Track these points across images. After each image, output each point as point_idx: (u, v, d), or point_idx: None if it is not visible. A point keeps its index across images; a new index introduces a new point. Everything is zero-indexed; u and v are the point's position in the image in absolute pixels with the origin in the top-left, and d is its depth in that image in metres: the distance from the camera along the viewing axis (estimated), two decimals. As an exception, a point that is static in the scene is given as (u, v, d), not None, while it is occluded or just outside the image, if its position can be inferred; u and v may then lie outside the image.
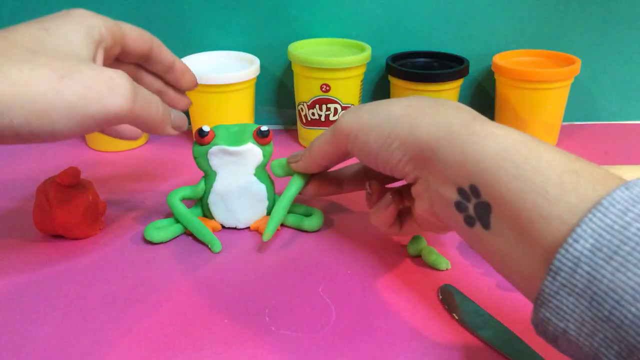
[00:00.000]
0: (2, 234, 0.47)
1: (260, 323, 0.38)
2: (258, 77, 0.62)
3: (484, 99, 0.70)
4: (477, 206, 0.31)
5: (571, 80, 0.62)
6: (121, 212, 0.51)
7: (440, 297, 0.40)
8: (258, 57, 0.63)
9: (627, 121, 0.72)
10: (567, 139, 0.67)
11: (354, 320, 0.38)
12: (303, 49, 0.64)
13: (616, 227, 0.25)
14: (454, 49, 0.66)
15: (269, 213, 0.49)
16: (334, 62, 0.59)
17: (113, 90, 0.32)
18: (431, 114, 0.35)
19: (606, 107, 0.72)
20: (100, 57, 0.37)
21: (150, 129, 0.37)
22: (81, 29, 0.35)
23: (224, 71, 0.60)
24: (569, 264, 0.25)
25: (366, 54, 0.61)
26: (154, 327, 0.37)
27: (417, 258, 0.45)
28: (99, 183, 0.53)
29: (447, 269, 0.43)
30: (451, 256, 0.44)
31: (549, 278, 0.26)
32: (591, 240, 0.25)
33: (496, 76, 0.64)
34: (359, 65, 0.61)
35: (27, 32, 0.33)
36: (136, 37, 0.40)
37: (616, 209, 0.25)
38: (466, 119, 0.33)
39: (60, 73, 0.31)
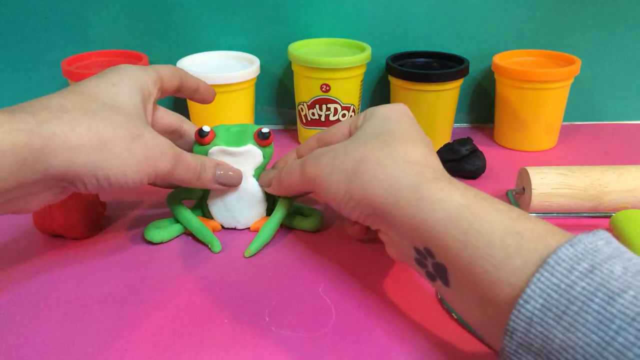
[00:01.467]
0: (2, 234, 0.47)
1: (260, 323, 0.38)
2: (258, 77, 0.62)
3: (484, 99, 0.70)
4: (434, 265, 0.33)
5: (571, 80, 0.62)
6: (121, 212, 0.51)
7: (439, 296, 0.40)
8: (258, 57, 0.63)
9: (627, 121, 0.72)
10: (567, 139, 0.67)
11: (354, 320, 0.38)
12: (303, 49, 0.64)
13: (563, 286, 0.26)
14: (454, 49, 0.67)
15: (268, 214, 0.49)
16: (334, 62, 0.59)
17: (163, 155, 0.38)
18: (380, 173, 0.36)
19: (606, 107, 0.72)
20: (149, 111, 0.43)
21: (190, 185, 0.43)
22: (137, 89, 0.40)
23: (224, 71, 0.60)
24: (523, 324, 0.27)
25: (366, 54, 0.61)
26: (154, 327, 0.37)
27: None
28: (99, 183, 0.53)
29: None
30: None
31: (507, 338, 0.28)
32: (540, 300, 0.26)
33: (496, 76, 0.64)
34: (359, 65, 0.61)
35: (99, 86, 0.38)
36: (169, 76, 0.45)
37: (562, 268, 0.26)
38: (413, 182, 0.34)
39: (132, 134, 0.37)
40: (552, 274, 0.26)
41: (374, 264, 0.44)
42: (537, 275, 0.27)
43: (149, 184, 0.40)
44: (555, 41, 0.67)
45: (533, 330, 0.26)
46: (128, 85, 0.40)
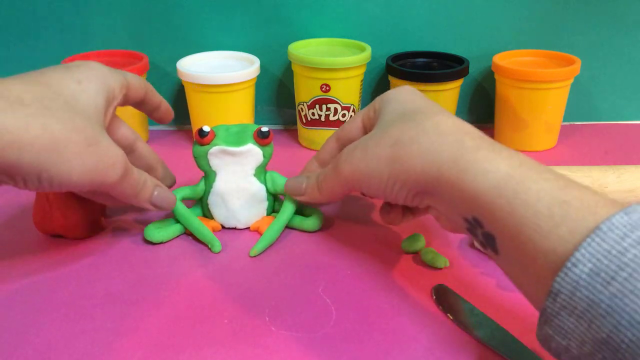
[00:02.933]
0: (2, 234, 0.47)
1: (260, 323, 0.38)
2: (258, 77, 0.62)
3: (484, 99, 0.70)
4: (483, 235, 0.33)
5: (571, 80, 0.62)
6: (121, 212, 0.51)
7: (434, 297, 0.40)
8: (258, 57, 0.63)
9: (627, 121, 0.72)
10: (567, 139, 0.67)
11: (354, 320, 0.38)
12: (303, 49, 0.64)
13: (614, 252, 0.26)
14: (454, 49, 0.66)
15: (269, 213, 0.49)
16: (334, 62, 0.59)
17: (114, 166, 0.37)
18: (417, 152, 0.35)
19: (606, 107, 0.72)
20: (109, 116, 0.41)
21: (126, 202, 0.42)
22: (103, 91, 0.39)
23: (224, 71, 0.60)
24: (568, 287, 0.26)
25: (366, 54, 0.61)
26: (154, 327, 0.37)
27: (417, 258, 0.45)
28: (99, 183, 0.53)
29: (445, 267, 0.43)
30: (451, 255, 0.44)
31: (550, 299, 0.27)
32: (589, 265, 0.26)
33: (496, 76, 0.64)
34: (359, 65, 0.61)
35: (63, 81, 0.37)
36: (136, 86, 0.43)
37: (614, 234, 0.26)
38: (454, 153, 0.34)
39: (88, 141, 0.35)
40: (603, 240, 0.26)
41: (374, 264, 0.44)
42: (588, 240, 0.26)
43: (87, 191, 0.40)
44: (555, 41, 0.67)
45: (578, 294, 0.26)
46: (94, 85, 0.38)
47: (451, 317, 0.38)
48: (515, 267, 0.31)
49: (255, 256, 0.45)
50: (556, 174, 0.31)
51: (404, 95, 0.41)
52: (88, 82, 0.38)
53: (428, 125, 0.36)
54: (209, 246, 0.45)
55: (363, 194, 0.43)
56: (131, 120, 0.62)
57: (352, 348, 0.36)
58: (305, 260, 0.44)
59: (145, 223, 0.47)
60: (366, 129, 0.44)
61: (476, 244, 0.35)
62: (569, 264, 0.26)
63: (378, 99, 0.43)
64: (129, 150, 0.45)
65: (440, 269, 0.43)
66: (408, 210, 0.42)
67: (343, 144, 0.44)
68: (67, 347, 0.35)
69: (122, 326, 0.37)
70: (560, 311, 0.27)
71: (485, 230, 0.32)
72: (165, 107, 0.48)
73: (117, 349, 0.35)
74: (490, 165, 0.32)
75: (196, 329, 0.37)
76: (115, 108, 0.42)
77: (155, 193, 0.42)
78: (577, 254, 0.26)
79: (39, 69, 0.38)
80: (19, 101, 0.33)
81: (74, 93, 0.37)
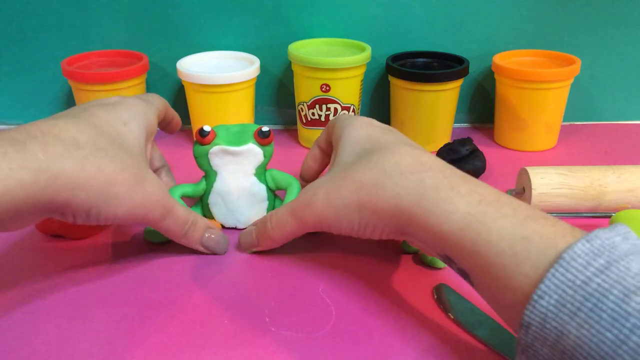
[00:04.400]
0: (2, 234, 0.47)
1: (260, 323, 0.38)
2: (258, 77, 0.62)
3: (484, 99, 0.70)
4: (458, 270, 0.34)
5: (571, 80, 0.62)
6: (121, 212, 0.50)
7: (435, 296, 0.40)
8: (258, 57, 0.63)
9: (627, 121, 0.72)
10: (567, 139, 0.67)
11: (354, 320, 0.38)
12: (303, 49, 0.64)
13: (578, 282, 0.26)
14: (454, 49, 0.66)
15: (269, 213, 0.49)
16: (334, 62, 0.59)
17: (156, 205, 0.39)
18: (383, 196, 0.35)
19: (606, 107, 0.72)
20: (149, 150, 0.44)
21: (173, 239, 0.43)
22: (144, 127, 0.42)
23: (224, 71, 0.60)
24: (537, 319, 0.27)
25: (366, 54, 0.61)
26: (154, 327, 0.37)
27: (417, 258, 0.45)
28: (99, 183, 0.53)
29: (445, 267, 0.43)
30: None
31: (522, 331, 0.28)
32: (555, 297, 0.26)
33: (496, 76, 0.64)
34: (359, 65, 0.61)
35: (111, 122, 0.39)
36: (163, 109, 0.47)
37: (577, 263, 0.26)
38: (416, 196, 0.34)
39: (136, 178, 0.37)
40: (566, 270, 0.26)
41: (373, 264, 0.44)
42: (552, 270, 0.27)
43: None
44: (555, 41, 0.67)
45: (548, 326, 0.26)
46: (137, 124, 0.41)
47: (451, 317, 0.38)
48: (490, 300, 0.32)
49: (253, 253, 0.45)
50: (515, 207, 0.32)
51: (359, 131, 0.41)
52: (132, 122, 0.41)
53: (388, 167, 0.36)
54: (209, 246, 0.45)
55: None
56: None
57: (352, 348, 0.36)
58: (305, 260, 0.44)
59: (145, 223, 0.47)
60: (323, 156, 0.47)
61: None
62: (535, 297, 0.27)
63: (334, 131, 0.43)
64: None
65: (440, 268, 0.43)
66: None
67: (327, 152, 0.47)
68: (67, 347, 0.35)
69: (122, 326, 0.37)
70: (534, 342, 0.27)
71: (458, 267, 0.33)
72: (177, 119, 0.51)
73: (117, 349, 0.35)
74: (451, 206, 0.33)
75: (196, 329, 0.37)
76: (152, 140, 0.45)
77: (207, 235, 0.43)
78: (542, 286, 0.27)
79: (81, 105, 0.40)
80: (75, 144, 0.35)
81: (120, 133, 0.39)
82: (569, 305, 0.26)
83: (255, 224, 0.44)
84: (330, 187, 0.38)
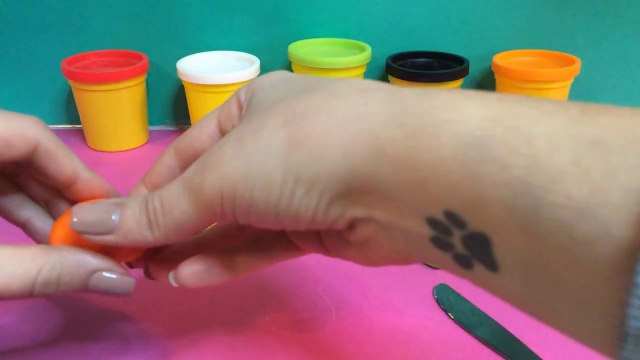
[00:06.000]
0: (2, 234, 0.47)
1: (260, 323, 0.38)
2: (258, 77, 0.62)
3: (484, 99, 0.70)
4: (466, 240, 0.20)
5: (571, 80, 0.62)
6: (121, 212, 0.50)
7: (435, 296, 0.40)
8: (258, 57, 0.63)
9: (627, 121, 0.72)
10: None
11: (354, 320, 0.38)
12: (303, 49, 0.64)
13: None
14: (454, 49, 0.66)
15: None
16: (334, 62, 0.59)
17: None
18: (332, 123, 0.21)
19: (606, 107, 0.71)
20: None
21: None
22: None
23: (224, 71, 0.60)
24: None
25: (366, 54, 0.61)
26: (153, 327, 0.37)
27: (417, 258, 0.45)
28: (99, 183, 0.53)
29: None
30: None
31: (628, 346, 0.15)
32: None
33: (496, 76, 0.64)
34: (359, 65, 0.61)
35: None
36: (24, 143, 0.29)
37: None
38: (393, 113, 0.21)
39: None
40: None
41: (374, 264, 0.44)
42: None
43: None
44: (555, 41, 0.67)
45: None
46: None
47: (452, 317, 0.38)
48: (537, 287, 0.18)
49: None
50: (559, 100, 0.19)
51: (283, 75, 0.28)
52: None
53: (337, 88, 0.23)
54: (209, 246, 0.45)
55: (238, 228, 0.31)
56: (131, 119, 0.62)
57: (352, 348, 0.36)
58: (305, 260, 0.44)
59: (145, 223, 0.47)
60: (225, 133, 0.29)
61: (449, 267, 0.22)
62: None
63: (242, 88, 0.29)
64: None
65: (439, 268, 0.43)
66: (312, 241, 0.29)
67: (186, 159, 0.29)
68: (67, 347, 0.35)
69: (122, 326, 0.37)
70: None
71: (470, 231, 0.19)
72: (88, 183, 0.32)
73: (117, 349, 0.35)
74: (455, 114, 0.19)
75: (196, 329, 0.37)
76: None
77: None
78: None
79: None
80: None
81: None
82: None
83: (122, 201, 0.27)
84: (245, 131, 0.24)
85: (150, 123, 0.68)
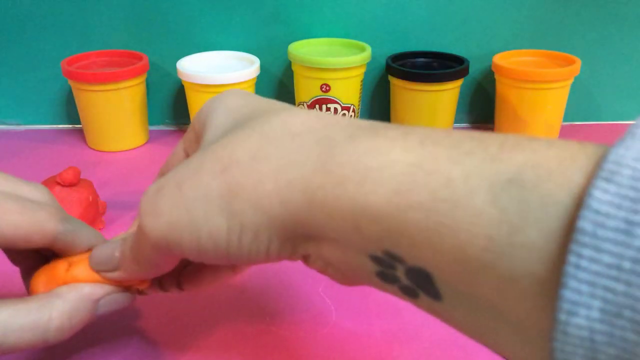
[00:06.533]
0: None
1: (260, 323, 0.38)
2: (258, 77, 0.62)
3: (484, 99, 0.70)
4: (409, 274, 0.20)
5: (571, 80, 0.62)
6: (121, 212, 0.51)
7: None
8: (258, 57, 0.63)
9: (627, 121, 0.72)
10: (567, 139, 0.67)
11: (354, 320, 0.38)
12: (303, 49, 0.64)
13: (625, 265, 0.14)
14: (454, 49, 0.66)
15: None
16: (334, 62, 0.59)
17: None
18: (266, 173, 0.22)
19: (606, 107, 0.72)
20: None
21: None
22: None
23: (224, 71, 0.60)
24: (580, 336, 0.15)
25: (366, 54, 0.61)
26: (153, 327, 0.37)
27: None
28: (99, 183, 0.53)
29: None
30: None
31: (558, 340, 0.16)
32: (597, 302, 0.15)
33: (496, 76, 0.64)
34: (359, 65, 0.61)
35: None
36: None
37: (608, 229, 0.15)
38: (321, 160, 0.21)
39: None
40: (596, 247, 0.15)
41: (374, 264, 0.44)
42: (575, 247, 0.15)
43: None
44: (555, 41, 0.67)
45: (599, 341, 0.15)
46: None
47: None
48: (478, 314, 0.19)
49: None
50: (478, 138, 0.19)
51: (234, 101, 0.27)
52: None
53: (272, 130, 0.23)
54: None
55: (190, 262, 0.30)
56: (131, 119, 0.62)
57: (352, 348, 0.36)
58: (305, 260, 0.44)
59: (145, 223, 0.47)
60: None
61: (399, 296, 0.22)
62: (562, 304, 0.15)
63: (196, 115, 0.29)
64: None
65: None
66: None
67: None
68: (67, 347, 0.35)
69: (122, 326, 0.37)
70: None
71: (411, 266, 0.20)
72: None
73: (117, 349, 0.35)
74: (378, 160, 0.20)
75: (196, 329, 0.37)
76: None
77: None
78: (571, 282, 0.15)
79: None
80: None
81: None
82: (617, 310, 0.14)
83: (123, 238, 0.30)
84: (183, 174, 0.24)
85: (150, 123, 0.68)
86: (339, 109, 0.62)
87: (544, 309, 0.16)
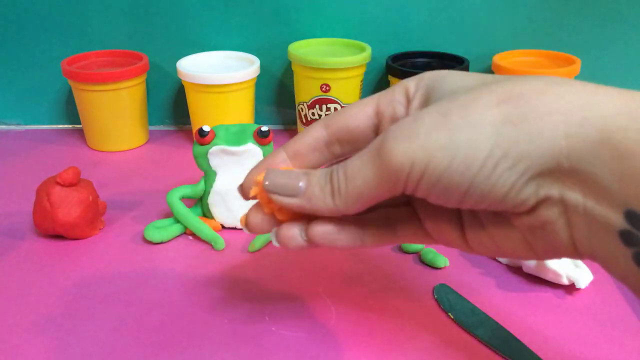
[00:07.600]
0: (2, 234, 0.47)
1: (260, 323, 0.38)
2: (258, 77, 0.62)
3: (484, 99, 0.70)
4: None
5: (571, 80, 0.62)
6: (121, 212, 0.51)
7: (435, 296, 0.40)
8: (258, 57, 0.63)
9: (627, 121, 0.72)
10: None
11: (354, 320, 0.38)
12: (303, 49, 0.64)
13: None
14: (454, 49, 0.66)
15: (269, 213, 0.48)
16: (334, 62, 0.59)
17: None
18: (556, 106, 0.23)
19: (606, 107, 0.71)
20: None
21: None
22: None
23: (224, 71, 0.60)
24: None
25: (366, 54, 0.61)
26: (154, 327, 0.37)
27: (417, 258, 0.45)
28: (99, 183, 0.53)
29: (445, 267, 0.43)
30: (451, 255, 0.44)
31: None
32: None
33: (496, 76, 0.64)
34: (359, 65, 0.61)
35: None
36: None
37: None
38: (623, 106, 0.22)
39: None
40: None
41: (374, 264, 0.44)
42: None
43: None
44: (555, 41, 0.67)
45: None
46: None
47: (452, 317, 0.38)
48: None
49: (254, 252, 0.45)
50: None
51: (455, 72, 0.29)
52: None
53: (553, 78, 0.24)
54: (212, 244, 0.45)
55: (408, 199, 0.30)
56: (131, 119, 0.62)
57: (352, 348, 0.36)
58: (305, 260, 0.44)
59: (145, 223, 0.47)
60: (383, 122, 0.30)
61: (622, 263, 0.22)
62: None
63: (410, 79, 0.31)
64: None
65: (441, 268, 0.43)
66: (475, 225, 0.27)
67: (337, 135, 0.30)
68: (67, 347, 0.35)
69: (122, 326, 0.37)
70: None
71: None
72: None
73: (117, 349, 0.35)
74: None
75: (196, 329, 0.37)
76: None
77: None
78: None
79: None
80: None
81: None
82: None
83: (306, 171, 0.29)
84: (448, 107, 0.24)
85: (150, 123, 0.68)
86: (339, 109, 0.62)
87: None
